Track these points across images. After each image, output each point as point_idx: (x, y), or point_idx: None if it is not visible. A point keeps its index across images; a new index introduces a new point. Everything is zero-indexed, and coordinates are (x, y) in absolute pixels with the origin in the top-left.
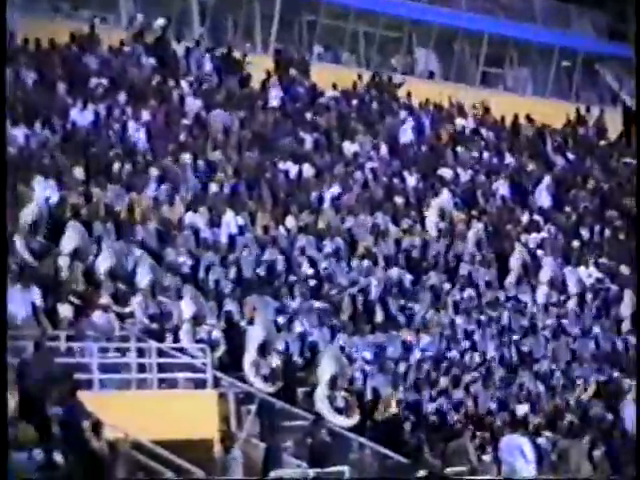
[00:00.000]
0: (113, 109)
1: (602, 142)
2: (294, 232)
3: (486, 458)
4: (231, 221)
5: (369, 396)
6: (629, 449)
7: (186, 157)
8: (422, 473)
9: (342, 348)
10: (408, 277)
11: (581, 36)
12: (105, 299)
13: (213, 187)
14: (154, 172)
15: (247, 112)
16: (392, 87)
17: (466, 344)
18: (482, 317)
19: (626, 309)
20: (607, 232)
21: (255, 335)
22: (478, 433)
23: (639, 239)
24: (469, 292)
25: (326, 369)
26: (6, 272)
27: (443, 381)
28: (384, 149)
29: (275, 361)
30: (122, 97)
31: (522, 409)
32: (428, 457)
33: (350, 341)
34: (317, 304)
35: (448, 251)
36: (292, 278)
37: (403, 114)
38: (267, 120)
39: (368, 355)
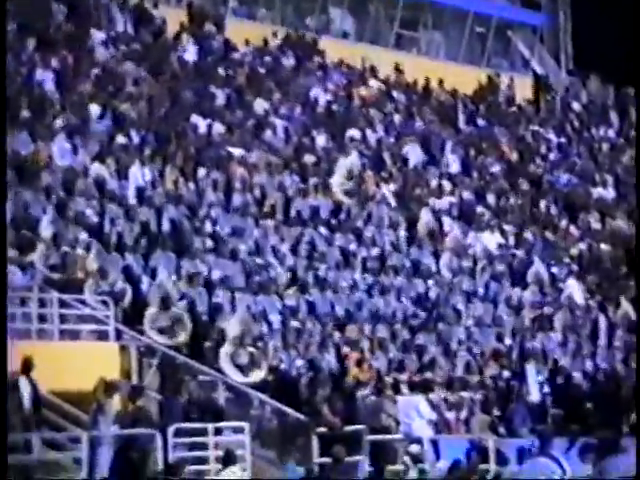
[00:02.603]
0: (21, 55)
1: (512, 109)
2: (202, 188)
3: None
4: (138, 174)
5: (272, 355)
6: (526, 410)
7: (94, 107)
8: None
9: (248, 307)
10: (317, 238)
11: (495, 3)
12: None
13: (120, 139)
14: (60, 121)
15: (159, 65)
16: (306, 45)
17: (371, 305)
18: (388, 279)
19: (531, 276)
20: (513, 199)
21: (156, 290)
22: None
23: (639, 234)
24: (376, 254)
25: (231, 326)
26: (6, 273)
27: (346, 341)
28: (296, 108)
29: (178, 315)
30: (31, 43)
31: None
32: (327, 415)
33: (256, 300)
34: (223, 262)
35: (356, 212)
36: (197, 235)
37: (316, 73)
38: (179, 74)
39: (275, 315)
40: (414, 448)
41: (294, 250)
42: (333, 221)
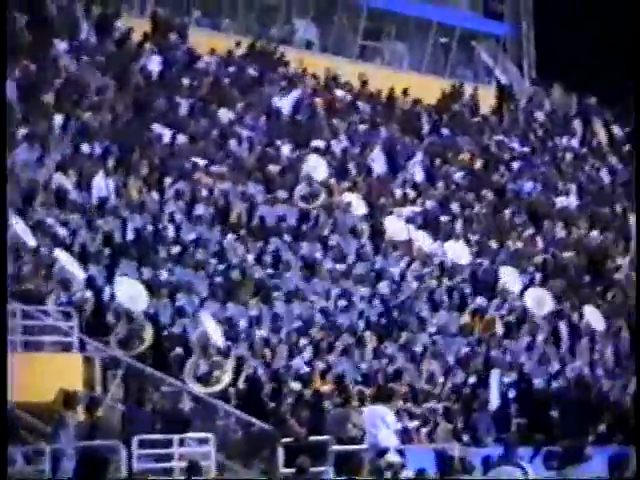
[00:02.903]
0: None
1: (475, 118)
2: (167, 198)
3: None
4: (101, 184)
5: (236, 364)
6: (489, 418)
7: (58, 117)
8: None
9: (213, 315)
10: (282, 247)
11: (458, 13)
12: None
13: (84, 148)
14: (23, 131)
15: (123, 74)
16: (270, 56)
17: (336, 314)
18: (353, 287)
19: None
20: (477, 207)
21: (123, 300)
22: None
23: (639, 238)
24: (341, 262)
25: (196, 336)
26: (6, 273)
27: (310, 350)
28: (260, 118)
29: (141, 323)
30: None
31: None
32: (293, 425)
33: (220, 309)
34: (187, 271)
35: (321, 221)
36: (160, 244)
37: (280, 83)
38: (143, 83)
39: (241, 323)
40: (391, 458)
41: (259, 259)
42: (298, 230)
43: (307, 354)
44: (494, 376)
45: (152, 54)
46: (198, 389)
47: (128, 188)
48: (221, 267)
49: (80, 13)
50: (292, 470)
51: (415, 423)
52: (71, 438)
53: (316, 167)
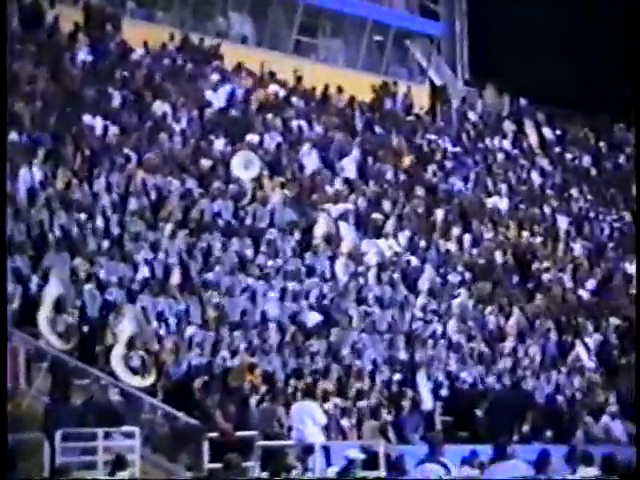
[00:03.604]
0: None
1: (409, 117)
2: (99, 190)
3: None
4: (28, 175)
5: (164, 358)
6: (417, 417)
7: None
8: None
9: (143, 308)
10: (213, 242)
11: (394, 12)
12: None
13: (12, 137)
14: None
15: (54, 64)
16: (204, 49)
17: (265, 309)
18: (283, 284)
19: (423, 283)
20: (408, 206)
21: (50, 292)
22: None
23: (639, 236)
24: (272, 259)
25: (125, 329)
26: (6, 274)
27: (240, 345)
28: (193, 111)
29: (71, 318)
30: None
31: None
32: (219, 420)
33: (150, 302)
34: (117, 264)
35: (254, 217)
36: (92, 237)
37: (214, 77)
38: (75, 74)
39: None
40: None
41: (189, 253)
42: (229, 225)
43: (235, 349)
44: (422, 376)
45: (84, 44)
46: (126, 381)
47: (57, 179)
48: (152, 260)
49: (10, 1)
50: (218, 465)
51: (343, 420)
52: None
53: (248, 163)
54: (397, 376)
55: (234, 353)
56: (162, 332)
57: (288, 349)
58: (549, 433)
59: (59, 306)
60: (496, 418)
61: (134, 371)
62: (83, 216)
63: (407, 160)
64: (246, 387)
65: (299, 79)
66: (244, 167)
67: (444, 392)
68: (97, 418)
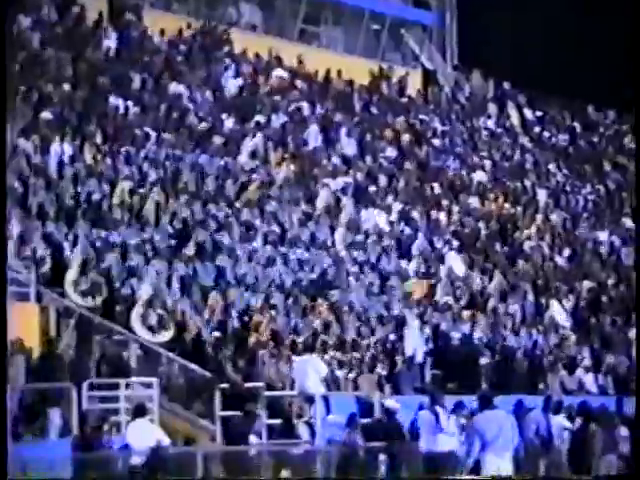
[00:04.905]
0: None
1: (403, 99)
2: (119, 163)
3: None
4: (58, 149)
5: (180, 316)
6: (409, 371)
7: (21, 88)
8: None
9: (157, 273)
10: (221, 213)
11: (389, 3)
12: None
13: (44, 115)
14: None
15: (81, 50)
16: (217, 36)
17: (274, 273)
18: (288, 251)
19: (416, 249)
20: (402, 180)
21: (77, 256)
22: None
23: (639, 237)
24: (276, 228)
25: (143, 290)
26: (6, 273)
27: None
28: (207, 93)
29: (94, 280)
30: None
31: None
32: (230, 372)
33: (166, 266)
34: (137, 231)
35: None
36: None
37: (226, 62)
38: (100, 58)
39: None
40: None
41: (203, 222)
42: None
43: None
44: (413, 332)
45: (109, 31)
46: (145, 338)
47: (84, 154)
48: (168, 228)
49: None
50: (229, 412)
51: (343, 372)
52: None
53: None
54: (392, 335)
55: (244, 312)
56: (177, 293)
57: (292, 309)
58: (527, 384)
59: (84, 269)
60: (479, 372)
61: (152, 328)
62: (108, 188)
63: (403, 138)
64: (254, 343)
65: (302, 64)
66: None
67: (433, 347)
68: (118, 370)
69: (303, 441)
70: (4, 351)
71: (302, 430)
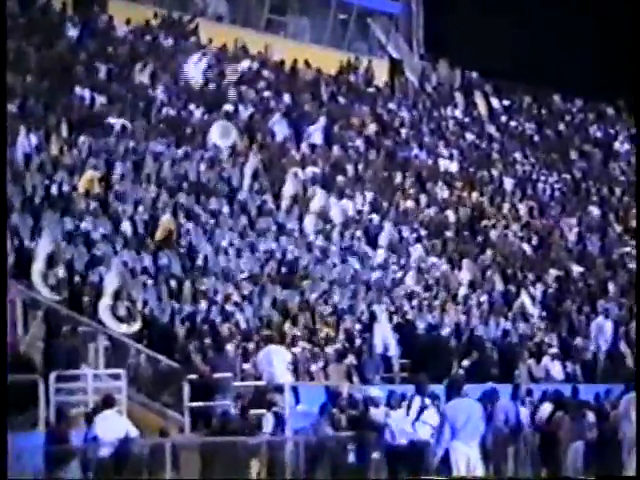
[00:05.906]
0: None
1: (370, 89)
2: (86, 154)
3: (247, 366)
4: (25, 141)
5: (148, 307)
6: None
7: None
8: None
9: (125, 263)
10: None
11: None
12: None
13: (10, 108)
14: None
15: (44, 39)
16: (183, 26)
17: (240, 263)
18: (256, 240)
19: (383, 239)
20: (370, 170)
21: (43, 248)
22: (243, 343)
23: (639, 237)
24: (244, 217)
25: (111, 281)
26: (6, 271)
27: (218, 295)
28: (172, 83)
29: (61, 272)
30: None
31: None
32: (198, 363)
33: (133, 256)
34: (103, 222)
35: (229, 179)
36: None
37: (193, 52)
38: (64, 48)
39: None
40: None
41: (173, 212)
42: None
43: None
44: (382, 323)
45: (73, 21)
46: (114, 329)
47: (50, 145)
48: (136, 218)
49: None
50: (197, 403)
51: (310, 363)
52: None
53: (225, 131)
54: (360, 325)
55: (212, 303)
56: (145, 284)
57: (261, 299)
58: (496, 373)
59: (51, 261)
60: (449, 359)
61: (120, 319)
62: (73, 179)
63: (370, 127)
64: (223, 333)
65: (269, 54)
66: (222, 135)
67: (401, 337)
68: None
69: (262, 432)
70: (4, 351)
71: (266, 421)
